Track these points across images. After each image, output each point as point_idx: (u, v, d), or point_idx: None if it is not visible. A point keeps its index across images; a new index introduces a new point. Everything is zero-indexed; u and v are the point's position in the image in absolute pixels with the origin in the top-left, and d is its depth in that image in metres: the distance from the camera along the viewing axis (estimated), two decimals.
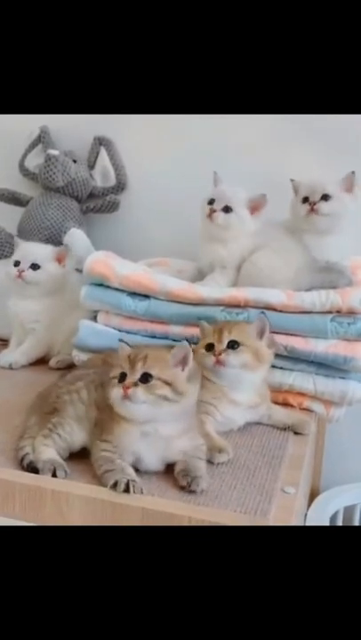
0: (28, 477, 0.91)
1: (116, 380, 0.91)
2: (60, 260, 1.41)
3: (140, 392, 0.88)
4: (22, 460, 0.95)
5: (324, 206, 1.24)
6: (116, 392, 0.90)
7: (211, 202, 1.27)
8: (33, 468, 0.92)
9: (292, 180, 1.31)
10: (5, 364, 1.37)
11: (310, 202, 1.25)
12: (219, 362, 1.04)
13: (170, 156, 1.57)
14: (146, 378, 0.89)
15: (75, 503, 0.87)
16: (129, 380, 0.89)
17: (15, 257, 1.39)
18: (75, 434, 0.96)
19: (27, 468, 0.93)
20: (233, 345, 1.05)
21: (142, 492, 0.86)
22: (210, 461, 0.96)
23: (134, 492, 0.85)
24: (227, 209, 1.26)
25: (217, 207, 1.26)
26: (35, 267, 1.37)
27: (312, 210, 1.24)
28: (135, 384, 0.89)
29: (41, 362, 1.40)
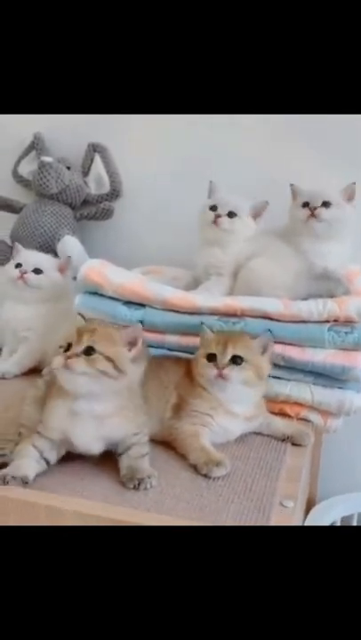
0: None
1: (62, 350, 0.91)
2: (62, 270, 1.40)
3: (80, 363, 0.88)
4: None
5: (324, 212, 1.23)
6: (57, 360, 0.90)
7: (213, 208, 1.28)
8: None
9: (291, 185, 1.31)
10: None
11: (311, 207, 1.24)
12: (222, 376, 1.03)
13: (165, 162, 1.56)
14: (89, 351, 0.89)
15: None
16: (72, 350, 0.89)
17: (17, 260, 1.38)
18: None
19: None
20: (237, 360, 1.03)
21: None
22: (207, 475, 0.95)
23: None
24: (231, 214, 1.27)
25: (222, 212, 1.27)
26: (37, 271, 1.36)
27: (312, 215, 1.23)
28: (77, 355, 0.89)
29: (34, 371, 1.38)
